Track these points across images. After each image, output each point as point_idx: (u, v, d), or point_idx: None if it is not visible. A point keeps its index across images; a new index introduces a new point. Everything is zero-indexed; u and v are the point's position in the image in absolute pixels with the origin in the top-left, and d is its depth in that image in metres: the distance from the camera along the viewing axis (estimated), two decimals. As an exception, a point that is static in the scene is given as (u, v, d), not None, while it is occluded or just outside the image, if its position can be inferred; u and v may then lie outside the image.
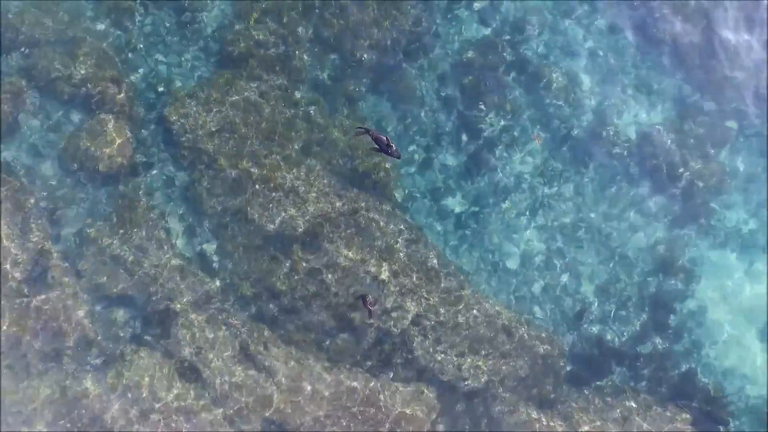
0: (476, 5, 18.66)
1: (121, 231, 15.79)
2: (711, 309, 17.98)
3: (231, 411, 15.22)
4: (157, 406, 14.97)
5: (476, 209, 17.62)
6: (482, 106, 17.98)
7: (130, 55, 16.92)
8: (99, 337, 15.32)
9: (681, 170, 18.40)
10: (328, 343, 15.94)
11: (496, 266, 17.35)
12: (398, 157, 14.40)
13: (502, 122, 18.09)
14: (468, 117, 17.97)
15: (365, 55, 17.66)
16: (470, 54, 18.30)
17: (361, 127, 15.92)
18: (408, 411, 15.70)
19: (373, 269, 16.09)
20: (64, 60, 16.26)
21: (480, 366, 16.30)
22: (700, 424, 16.81)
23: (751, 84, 19.12)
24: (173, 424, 14.93)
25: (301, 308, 15.95)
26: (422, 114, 17.84)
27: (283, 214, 16.15)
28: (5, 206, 15.35)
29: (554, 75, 18.46)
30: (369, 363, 16.00)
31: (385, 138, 14.33)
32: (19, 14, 16.30)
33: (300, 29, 17.50)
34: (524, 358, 16.52)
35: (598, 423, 16.38)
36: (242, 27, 17.18)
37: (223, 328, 15.69)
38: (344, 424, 15.35)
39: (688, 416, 16.85)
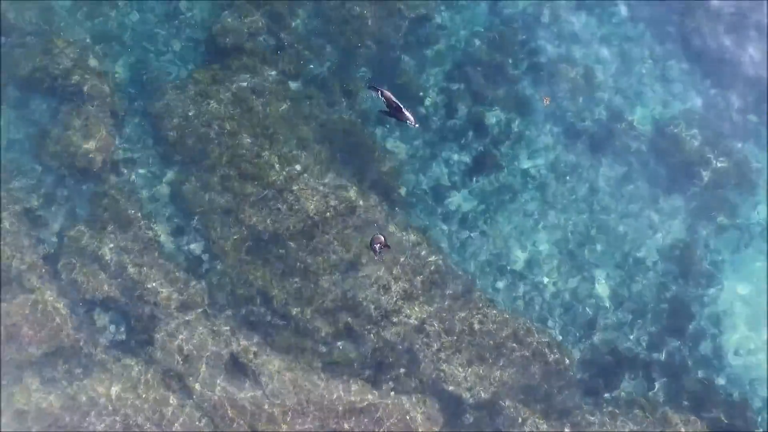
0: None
1: (104, 231, 15.84)
2: (733, 314, 17.48)
3: (219, 422, 15.02)
4: (140, 416, 14.84)
5: (483, 208, 17.44)
6: (490, 100, 17.90)
7: (114, 45, 17.03)
8: (79, 344, 15.21)
9: (701, 167, 18.09)
10: (324, 350, 15.74)
11: (504, 269, 17.09)
12: (405, 121, 13.76)
13: (511, 117, 17.93)
14: (474, 112, 17.78)
15: (364, 47, 17.48)
16: (477, 45, 18.15)
17: (372, 86, 15.76)
18: (409, 424, 15.44)
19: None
20: (45, 50, 16.42)
21: (486, 375, 16.01)
22: (721, 436, 16.82)
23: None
24: (157, 436, 15.08)
25: (296, 313, 15.74)
26: (425, 109, 17.69)
27: (276, 213, 16.02)
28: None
29: (568, 66, 18.27)
30: (368, 372, 15.73)
31: (395, 102, 13.61)
32: (-2, 4, 16.68)
33: (295, 19, 17.53)
34: (533, 366, 16.21)
35: (613, 435, 16.41)
36: (234, 17, 17.19)
37: (212, 334, 15.57)
38: (340, 437, 15.45)
39: (708, 428, 16.47)
